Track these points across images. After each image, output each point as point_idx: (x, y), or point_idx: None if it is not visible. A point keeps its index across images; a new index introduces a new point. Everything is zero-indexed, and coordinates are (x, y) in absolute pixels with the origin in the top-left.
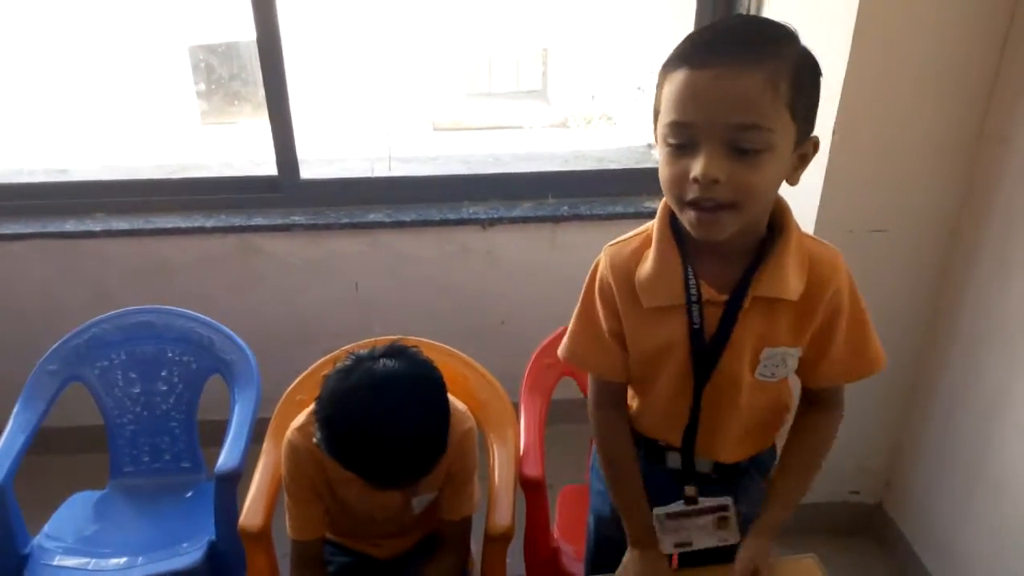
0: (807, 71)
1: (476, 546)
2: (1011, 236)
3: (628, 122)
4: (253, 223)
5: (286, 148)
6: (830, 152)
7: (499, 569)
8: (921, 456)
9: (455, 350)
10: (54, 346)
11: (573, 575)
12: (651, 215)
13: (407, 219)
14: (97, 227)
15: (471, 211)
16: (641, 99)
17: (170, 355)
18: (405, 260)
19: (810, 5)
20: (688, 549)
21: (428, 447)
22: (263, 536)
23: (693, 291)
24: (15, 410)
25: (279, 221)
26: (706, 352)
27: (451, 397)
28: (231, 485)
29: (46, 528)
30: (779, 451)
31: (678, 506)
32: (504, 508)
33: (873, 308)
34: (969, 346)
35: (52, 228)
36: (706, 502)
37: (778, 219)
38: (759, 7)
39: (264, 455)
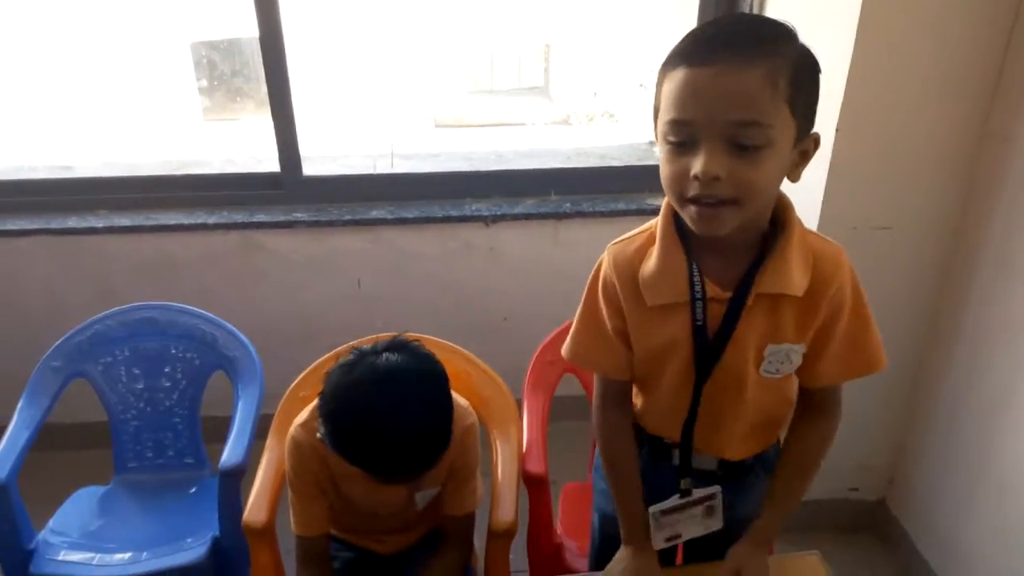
0: (806, 68)
1: (479, 542)
2: (1014, 234)
3: (630, 119)
4: (256, 220)
5: (288, 145)
6: (834, 149)
7: (502, 565)
8: (925, 454)
9: (458, 347)
10: (57, 342)
11: (576, 571)
12: (653, 212)
13: (409, 216)
14: (100, 224)
15: (473, 208)
16: (643, 96)
17: (173, 351)
18: (408, 257)
19: (813, 2)
20: (677, 542)
21: (432, 440)
22: (267, 532)
23: (697, 288)
24: (19, 406)
25: (282, 218)
26: (709, 349)
27: (454, 393)
28: (235, 481)
29: (51, 523)
30: None
31: (673, 501)
32: (507, 504)
33: (876, 305)
34: (972, 344)
35: (55, 225)
36: (698, 493)
37: (781, 215)
38: (762, 5)
39: (268, 451)
